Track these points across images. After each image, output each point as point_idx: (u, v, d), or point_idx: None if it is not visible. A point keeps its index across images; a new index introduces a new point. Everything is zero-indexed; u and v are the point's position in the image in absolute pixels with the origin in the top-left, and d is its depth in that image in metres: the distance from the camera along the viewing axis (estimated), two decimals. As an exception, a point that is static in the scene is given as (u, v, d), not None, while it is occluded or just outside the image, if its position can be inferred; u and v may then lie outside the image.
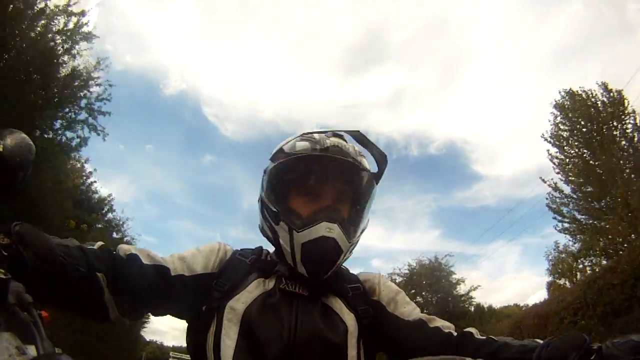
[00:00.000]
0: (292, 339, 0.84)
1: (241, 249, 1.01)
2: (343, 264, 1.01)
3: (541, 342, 0.71)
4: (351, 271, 1.04)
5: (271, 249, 1.01)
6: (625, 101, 13.03)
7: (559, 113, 14.21)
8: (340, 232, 0.88)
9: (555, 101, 14.33)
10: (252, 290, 0.89)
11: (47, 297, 0.70)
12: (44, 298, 0.68)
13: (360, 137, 1.02)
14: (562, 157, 13.87)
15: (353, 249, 0.98)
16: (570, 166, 13.61)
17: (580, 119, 13.58)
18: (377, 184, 1.02)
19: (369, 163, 1.01)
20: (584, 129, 13.46)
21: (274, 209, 0.93)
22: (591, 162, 13.08)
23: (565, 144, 13.93)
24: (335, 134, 0.99)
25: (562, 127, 14.10)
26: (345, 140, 0.99)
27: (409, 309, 0.94)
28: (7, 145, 0.58)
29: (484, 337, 0.80)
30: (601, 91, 13.52)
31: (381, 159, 1.03)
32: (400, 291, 0.99)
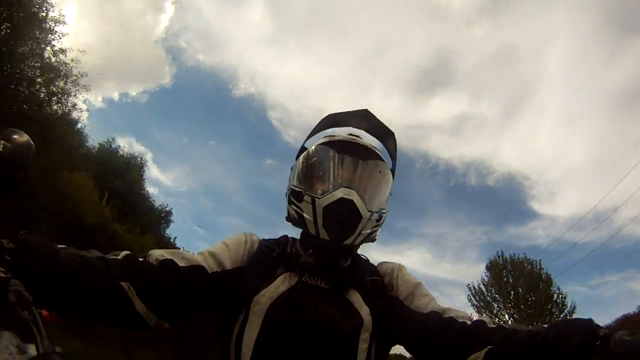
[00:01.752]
0: (311, 330, 0.87)
1: (267, 240, 1.06)
2: (363, 255, 1.06)
3: (547, 326, 0.72)
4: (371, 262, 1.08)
5: (296, 236, 1.07)
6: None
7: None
8: (358, 197, 0.95)
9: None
10: (279, 285, 0.93)
11: (64, 309, 0.71)
12: (59, 307, 0.69)
13: (367, 114, 1.14)
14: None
15: (375, 229, 1.03)
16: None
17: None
18: (393, 163, 1.13)
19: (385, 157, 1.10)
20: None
21: (298, 189, 1.02)
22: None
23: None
24: (352, 133, 1.11)
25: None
26: (360, 137, 1.10)
27: (425, 302, 0.94)
28: (8, 145, 0.58)
29: (495, 326, 0.82)
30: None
31: (386, 135, 1.15)
32: (419, 284, 1.00)
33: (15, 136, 0.60)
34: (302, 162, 1.07)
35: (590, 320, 0.65)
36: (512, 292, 18.31)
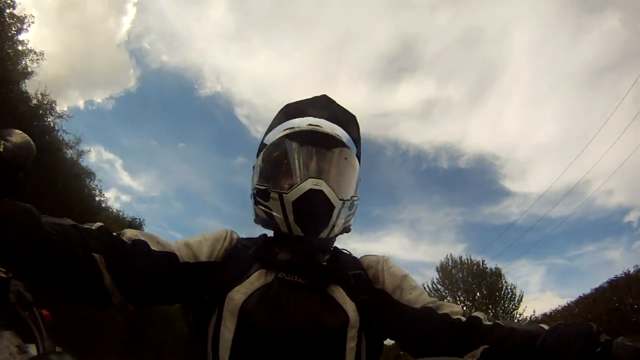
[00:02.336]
0: (291, 328, 0.83)
1: (245, 238, 1.02)
2: (344, 249, 1.03)
3: (547, 327, 0.70)
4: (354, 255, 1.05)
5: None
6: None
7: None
8: (328, 187, 0.90)
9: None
10: (254, 282, 0.88)
11: (38, 278, 0.67)
12: (35, 278, 0.66)
13: (326, 99, 1.09)
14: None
15: (348, 219, 1.00)
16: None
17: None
18: (357, 148, 1.09)
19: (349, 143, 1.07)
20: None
21: (263, 188, 0.96)
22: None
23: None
24: (311, 123, 1.07)
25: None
26: (321, 126, 1.06)
27: (415, 295, 0.91)
28: (8, 145, 0.58)
29: (492, 323, 0.79)
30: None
31: (348, 120, 1.11)
32: (405, 275, 0.96)
33: (14, 137, 0.60)
34: (264, 159, 1.02)
35: (590, 326, 0.64)
36: (462, 287, 21.21)
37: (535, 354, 0.67)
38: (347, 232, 1.03)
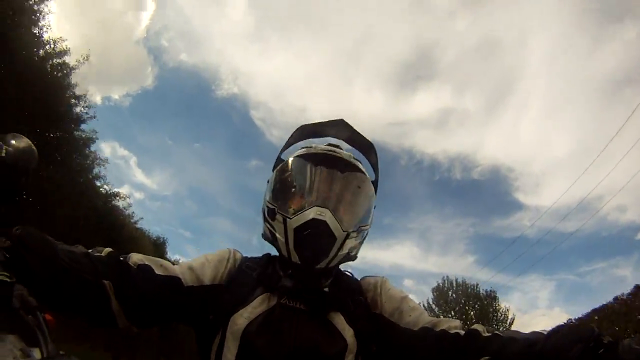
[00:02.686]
0: (291, 353, 0.84)
1: (249, 258, 1.01)
2: (347, 270, 1.01)
3: (546, 333, 0.69)
4: (356, 276, 1.03)
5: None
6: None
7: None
8: (332, 217, 0.88)
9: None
10: (257, 306, 0.89)
11: (51, 302, 0.69)
12: (48, 302, 0.68)
13: (344, 123, 1.07)
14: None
15: (354, 249, 0.97)
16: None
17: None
18: (375, 175, 1.06)
19: (366, 170, 1.04)
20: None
21: (271, 207, 0.95)
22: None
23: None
24: (331, 144, 1.04)
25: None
26: (340, 148, 1.03)
27: (414, 317, 0.90)
28: (10, 150, 0.59)
29: (490, 334, 0.78)
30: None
31: (366, 148, 1.08)
32: (404, 297, 0.95)
33: (17, 141, 0.60)
34: (277, 177, 1.00)
35: (592, 328, 0.63)
36: (456, 308, 22.92)
37: (536, 359, 0.66)
38: (351, 260, 1.00)
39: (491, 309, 22.48)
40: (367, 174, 1.02)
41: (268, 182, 1.03)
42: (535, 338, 0.69)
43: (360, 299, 0.95)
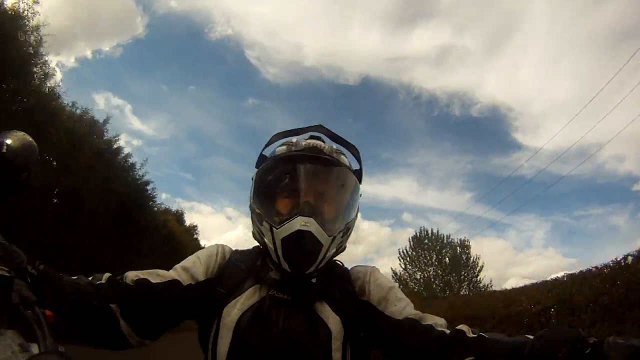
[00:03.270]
0: (279, 344, 0.88)
1: (239, 251, 1.05)
2: (337, 259, 1.03)
3: (532, 337, 0.70)
4: (347, 264, 1.07)
5: None
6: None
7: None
8: (317, 225, 0.90)
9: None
10: (249, 298, 0.93)
11: (66, 333, 0.72)
12: (63, 334, 0.70)
13: (324, 131, 1.07)
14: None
15: (342, 244, 1.00)
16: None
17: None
18: (359, 178, 1.05)
19: (350, 160, 1.05)
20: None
21: (258, 211, 0.98)
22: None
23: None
24: (313, 136, 1.05)
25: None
26: (322, 141, 1.04)
27: (399, 307, 0.93)
28: (11, 146, 0.59)
29: (476, 335, 0.79)
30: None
31: (348, 144, 1.07)
32: (392, 287, 0.98)
33: (17, 137, 0.60)
34: (259, 179, 1.02)
35: (578, 330, 0.64)
36: (434, 257, 26.44)
37: None
38: (340, 253, 1.03)
39: (464, 257, 26.04)
40: (350, 166, 1.01)
41: (252, 180, 1.04)
42: (522, 341, 0.70)
43: (348, 287, 0.98)
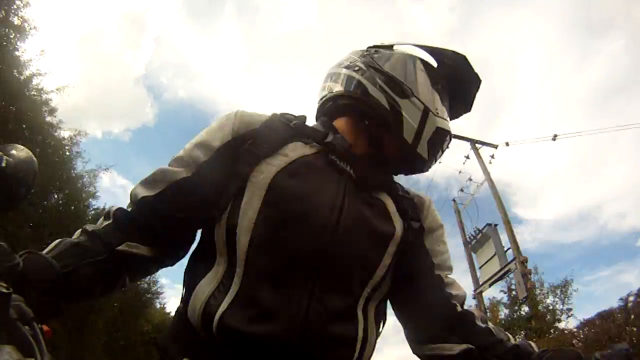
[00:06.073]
0: (335, 222, 0.69)
1: (283, 113, 0.84)
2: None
3: (534, 345, 0.72)
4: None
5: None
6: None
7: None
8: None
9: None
10: (289, 153, 0.74)
11: (66, 308, 0.66)
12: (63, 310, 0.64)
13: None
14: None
15: None
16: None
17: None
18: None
19: None
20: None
21: (405, 85, 0.80)
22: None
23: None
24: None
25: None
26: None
27: (441, 250, 0.84)
28: (10, 160, 0.59)
29: (484, 326, 0.77)
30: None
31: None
32: (442, 225, 0.89)
33: (16, 152, 0.60)
34: (408, 61, 0.84)
35: (578, 353, 0.66)
36: None
37: None
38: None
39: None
40: None
41: (376, 52, 0.86)
42: (524, 349, 0.72)
43: (411, 198, 0.86)
